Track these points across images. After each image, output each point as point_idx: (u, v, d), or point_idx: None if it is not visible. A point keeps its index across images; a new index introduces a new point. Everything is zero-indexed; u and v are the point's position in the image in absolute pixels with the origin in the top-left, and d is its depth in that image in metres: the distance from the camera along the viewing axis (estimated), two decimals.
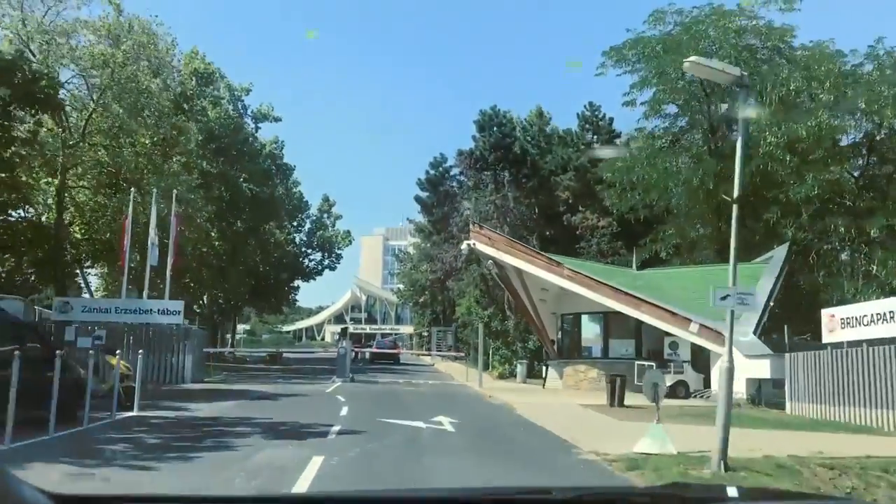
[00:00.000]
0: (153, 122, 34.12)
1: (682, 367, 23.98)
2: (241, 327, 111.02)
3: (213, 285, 43.31)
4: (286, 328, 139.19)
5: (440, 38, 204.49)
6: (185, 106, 38.30)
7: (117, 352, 14.91)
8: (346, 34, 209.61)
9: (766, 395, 21.98)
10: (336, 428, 13.45)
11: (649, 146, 33.85)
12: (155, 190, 29.89)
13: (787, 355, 20.88)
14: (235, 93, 42.74)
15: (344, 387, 26.33)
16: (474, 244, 27.68)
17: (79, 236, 34.77)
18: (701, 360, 24.32)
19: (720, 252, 33.61)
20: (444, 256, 44.76)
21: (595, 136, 44.62)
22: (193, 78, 38.51)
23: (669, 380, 23.62)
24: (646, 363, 24.49)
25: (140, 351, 16.48)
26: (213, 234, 39.91)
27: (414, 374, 39.96)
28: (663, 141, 34.19)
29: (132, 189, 29.75)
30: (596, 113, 44.56)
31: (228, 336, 68.12)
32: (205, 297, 52.69)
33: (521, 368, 34.52)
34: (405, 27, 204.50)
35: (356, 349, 54.18)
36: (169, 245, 29.56)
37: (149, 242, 29.16)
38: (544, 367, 29.59)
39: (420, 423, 14.73)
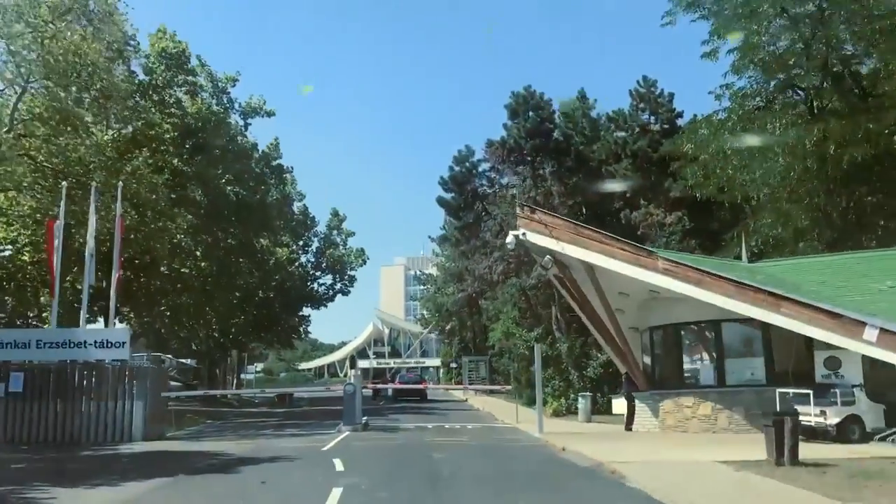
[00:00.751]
0: (116, 113, 27.25)
1: (851, 394, 15.98)
2: (258, 366, 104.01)
3: (198, 314, 35.68)
4: (306, 365, 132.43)
5: (460, 31, 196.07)
6: (155, 97, 31.38)
7: None
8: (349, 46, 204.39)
9: None
10: None
11: (740, 107, 26.13)
12: (94, 185, 22.68)
13: None
14: (219, 83, 35.49)
15: (350, 441, 18.57)
16: (524, 234, 19.96)
17: (26, 259, 27.65)
18: (873, 382, 16.38)
19: (834, 244, 25.79)
20: (475, 269, 36.96)
21: (652, 117, 36.89)
22: (162, 62, 31.43)
23: (834, 414, 15.77)
24: (790, 391, 16.58)
25: None
26: (194, 248, 32.59)
27: (446, 413, 32.04)
28: (759, 99, 26.42)
29: (63, 183, 22.61)
30: (652, 89, 36.84)
31: (232, 376, 60.92)
32: (200, 332, 45.47)
33: (583, 403, 26.60)
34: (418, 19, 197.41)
35: (375, 385, 46.51)
36: (114, 257, 22.18)
37: (86, 254, 21.91)
38: (626, 402, 21.53)
39: None
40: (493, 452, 16.33)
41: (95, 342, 20.19)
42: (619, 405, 26.50)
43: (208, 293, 34.32)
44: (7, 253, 29.66)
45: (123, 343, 20.34)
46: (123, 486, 11.15)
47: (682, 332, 19.94)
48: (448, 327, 69.47)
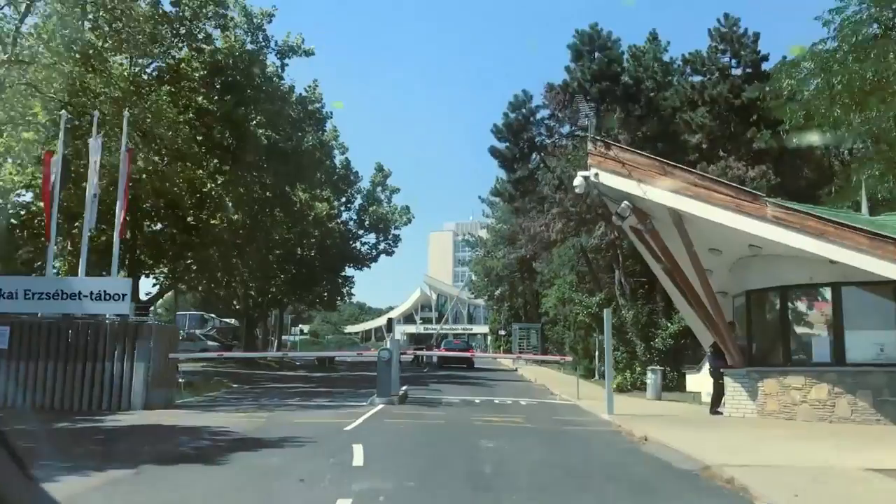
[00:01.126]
0: (131, 39, 24.33)
1: None
2: (303, 328, 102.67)
3: (227, 268, 32.98)
4: (353, 329, 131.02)
5: None
6: (182, 29, 28.38)
7: None
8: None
9: None
10: None
11: (853, 34, 21.98)
12: (96, 114, 19.83)
13: None
14: (255, 19, 32.24)
15: (381, 417, 15.51)
16: (596, 176, 16.43)
17: (41, 204, 25.23)
18: None
19: None
20: (530, 227, 33.44)
21: (734, 60, 32.62)
22: None
23: None
24: None
25: None
26: (224, 198, 29.70)
27: (495, 385, 28.93)
28: (876, 26, 22.24)
29: (63, 112, 19.79)
30: (734, 28, 32.49)
31: (275, 338, 58.75)
32: (238, 289, 43.19)
33: (653, 379, 23.30)
34: None
35: (416, 351, 43.79)
36: (118, 193, 19.32)
37: (87, 193, 19.14)
38: (713, 379, 17.97)
39: None
40: (557, 441, 13.06)
41: (92, 294, 17.38)
42: (696, 382, 23.06)
43: (239, 247, 31.55)
44: (24, 199, 27.51)
45: (124, 295, 17.54)
46: (60, 482, 8.18)
47: (790, 297, 16.25)
48: (497, 293, 66.33)
